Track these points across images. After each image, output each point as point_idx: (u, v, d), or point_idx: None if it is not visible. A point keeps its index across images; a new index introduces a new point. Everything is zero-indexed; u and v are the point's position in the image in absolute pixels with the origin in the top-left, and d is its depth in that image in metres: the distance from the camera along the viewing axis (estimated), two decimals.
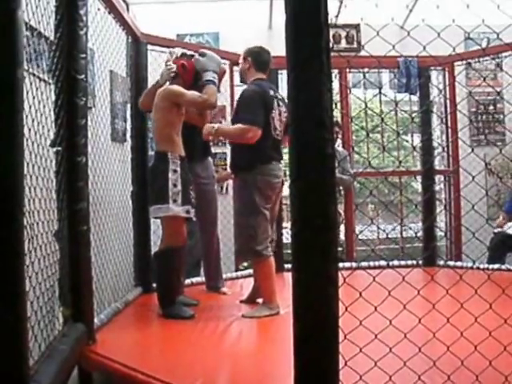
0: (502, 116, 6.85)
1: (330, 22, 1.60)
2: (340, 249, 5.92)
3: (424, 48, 1.84)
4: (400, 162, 5.99)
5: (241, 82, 4.08)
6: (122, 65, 4.57)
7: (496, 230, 5.76)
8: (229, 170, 4.40)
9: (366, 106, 1.98)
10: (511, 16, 2.12)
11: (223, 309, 3.89)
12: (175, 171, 3.57)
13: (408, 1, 6.16)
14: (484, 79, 6.23)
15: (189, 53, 3.89)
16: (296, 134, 1.60)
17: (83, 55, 2.82)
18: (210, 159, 4.46)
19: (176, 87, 3.69)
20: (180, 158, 3.62)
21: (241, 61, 3.89)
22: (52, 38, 2.74)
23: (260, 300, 3.81)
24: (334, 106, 1.67)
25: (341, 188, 5.75)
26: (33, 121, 2.34)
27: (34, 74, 2.71)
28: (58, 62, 2.70)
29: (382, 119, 3.17)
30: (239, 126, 3.64)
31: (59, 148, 2.78)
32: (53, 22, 2.69)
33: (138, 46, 4.45)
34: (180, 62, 3.80)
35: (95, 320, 3.07)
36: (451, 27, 2.24)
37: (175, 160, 3.59)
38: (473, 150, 2.31)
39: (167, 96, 3.68)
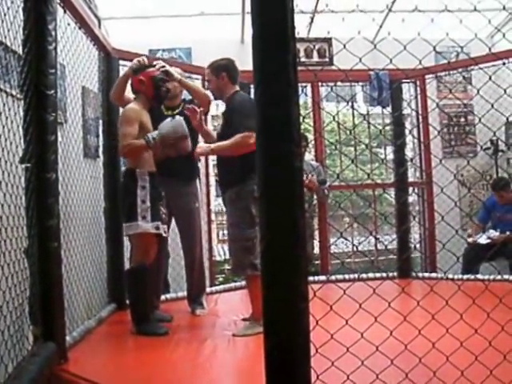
0: (472, 128, 6.96)
1: (301, 36, 1.60)
2: (316, 262, 5.93)
3: (390, 61, 1.86)
4: (369, 174, 6.02)
5: (215, 99, 3.94)
6: (94, 80, 4.55)
7: (469, 240, 5.83)
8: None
9: (335, 118, 1.99)
10: (474, 30, 2.15)
11: (198, 325, 3.87)
12: (144, 187, 3.56)
13: (375, 15, 6.24)
14: (450, 91, 6.33)
15: (135, 62, 3.83)
16: (263, 147, 1.60)
17: (52, 70, 2.80)
18: (197, 181, 4.41)
19: (128, 114, 3.64)
20: (149, 174, 3.61)
21: (211, 78, 3.72)
22: (20, 52, 2.71)
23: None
24: (302, 119, 1.67)
25: (315, 202, 5.76)
26: (0, 137, 2.32)
27: (1, 89, 2.69)
28: (27, 77, 2.68)
29: (351, 132, 3.17)
30: (238, 135, 3.45)
31: (28, 164, 2.75)
32: (20, 36, 2.67)
33: (109, 61, 4.43)
34: (137, 79, 3.74)
35: (67, 338, 3.02)
36: (422, 42, 2.28)
37: (143, 176, 3.58)
38: (441, 161, 2.32)
39: (120, 117, 3.72)
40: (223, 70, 3.67)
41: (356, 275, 5.11)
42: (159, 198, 3.68)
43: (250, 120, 3.47)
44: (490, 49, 2.20)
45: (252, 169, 3.44)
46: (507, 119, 2.45)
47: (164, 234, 3.73)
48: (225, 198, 3.71)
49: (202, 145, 3.70)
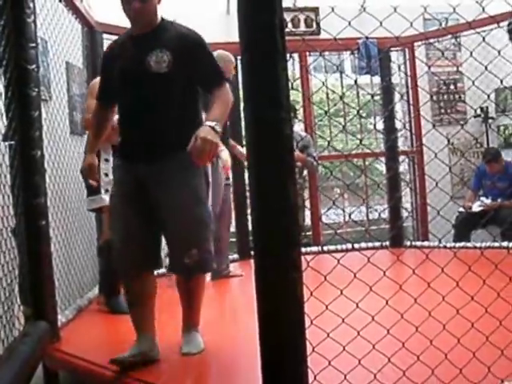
0: (462, 95, 6.91)
1: (288, 5, 1.55)
2: (308, 233, 5.91)
3: (381, 24, 1.81)
4: (361, 141, 5.96)
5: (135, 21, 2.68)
6: (78, 55, 4.45)
7: (466, 206, 5.82)
8: None
9: (324, 84, 1.93)
10: None
11: None
12: (107, 160, 3.48)
13: None
14: (443, 53, 6.26)
15: None
16: (251, 114, 1.54)
17: (33, 44, 2.72)
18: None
19: (94, 86, 3.30)
20: (113, 148, 3.51)
21: None
22: None
23: None
24: (291, 87, 1.61)
25: (305, 174, 5.72)
26: None
27: None
28: (5, 51, 2.59)
29: (342, 98, 3.11)
30: (225, 88, 2.53)
31: (12, 142, 2.68)
32: None
33: (93, 35, 4.35)
34: None
35: (59, 317, 3.00)
36: (411, 9, 2.22)
37: (107, 149, 3.48)
38: (434, 126, 2.27)
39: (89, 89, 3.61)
40: None
41: (348, 245, 5.09)
42: None
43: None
44: (483, 9, 2.13)
45: (194, 127, 2.47)
46: (501, 81, 2.41)
47: None
48: (166, 166, 2.51)
49: (207, 135, 2.32)
